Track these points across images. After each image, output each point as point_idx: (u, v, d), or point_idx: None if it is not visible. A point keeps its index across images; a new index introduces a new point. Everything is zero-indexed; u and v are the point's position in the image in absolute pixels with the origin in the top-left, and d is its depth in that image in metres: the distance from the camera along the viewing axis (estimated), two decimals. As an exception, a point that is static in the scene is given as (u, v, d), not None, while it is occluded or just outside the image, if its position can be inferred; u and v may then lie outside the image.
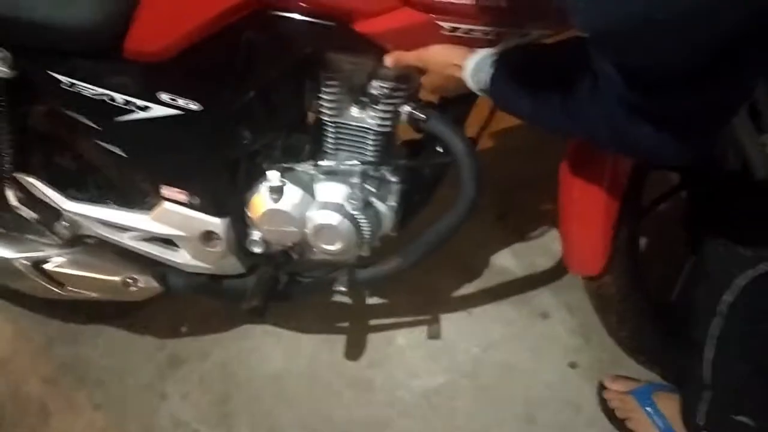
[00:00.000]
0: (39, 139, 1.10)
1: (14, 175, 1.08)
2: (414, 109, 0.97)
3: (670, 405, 1.11)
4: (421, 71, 0.88)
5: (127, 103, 0.96)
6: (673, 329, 1.10)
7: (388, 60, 0.87)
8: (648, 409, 1.13)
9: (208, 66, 0.93)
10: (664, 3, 0.49)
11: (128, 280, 1.15)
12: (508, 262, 1.49)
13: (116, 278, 1.14)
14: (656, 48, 0.53)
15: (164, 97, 0.95)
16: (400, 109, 0.98)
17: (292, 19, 0.87)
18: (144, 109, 0.96)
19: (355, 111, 1.00)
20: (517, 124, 1.24)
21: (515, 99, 0.78)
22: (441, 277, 1.44)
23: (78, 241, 1.13)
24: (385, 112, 0.98)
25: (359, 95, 0.98)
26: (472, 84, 0.82)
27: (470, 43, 0.83)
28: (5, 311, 1.42)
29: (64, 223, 1.10)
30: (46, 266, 1.12)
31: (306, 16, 0.87)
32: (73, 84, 0.96)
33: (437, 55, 0.83)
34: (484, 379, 1.30)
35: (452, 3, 0.80)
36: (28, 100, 1.04)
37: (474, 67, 0.80)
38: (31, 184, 1.08)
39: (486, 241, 1.51)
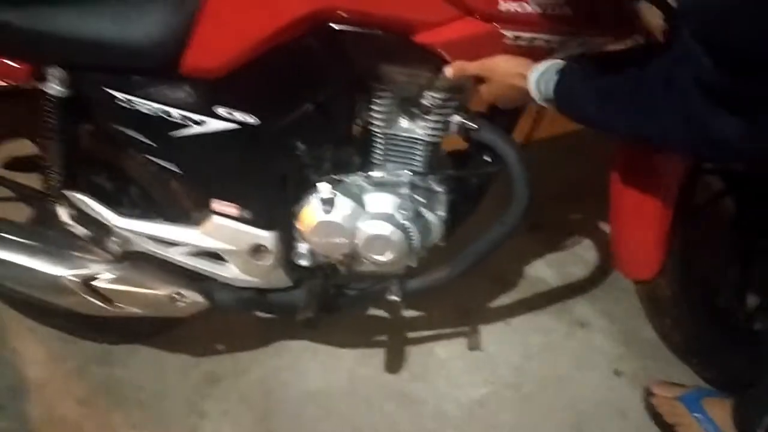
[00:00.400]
0: (88, 156, 1.10)
1: (64, 192, 1.08)
2: (465, 118, 0.98)
3: (719, 410, 1.11)
4: (480, 81, 0.90)
5: (184, 118, 0.97)
6: (727, 333, 1.11)
7: (451, 70, 0.88)
8: (697, 415, 1.13)
9: (266, 80, 0.94)
10: None
11: (175, 296, 1.14)
12: (543, 272, 1.50)
13: (163, 293, 1.13)
14: (748, 26, 0.54)
15: (221, 111, 0.96)
16: (450, 119, 0.99)
17: (351, 32, 0.89)
18: (200, 123, 0.97)
19: (405, 122, 1.02)
20: (545, 135, 1.25)
21: (583, 104, 0.79)
22: (477, 288, 1.44)
23: (126, 257, 1.13)
24: (435, 122, 0.99)
25: (410, 106, 1.00)
26: (535, 92, 0.83)
27: (532, 51, 0.85)
28: (37, 333, 1.40)
29: (115, 239, 1.10)
30: (95, 283, 1.11)
31: (365, 28, 0.88)
32: (129, 101, 0.97)
33: (501, 65, 0.85)
34: (527, 390, 1.30)
35: (516, 12, 0.82)
36: (80, 117, 1.04)
37: (539, 75, 0.82)
38: (82, 201, 1.08)
39: (519, 251, 1.52)
